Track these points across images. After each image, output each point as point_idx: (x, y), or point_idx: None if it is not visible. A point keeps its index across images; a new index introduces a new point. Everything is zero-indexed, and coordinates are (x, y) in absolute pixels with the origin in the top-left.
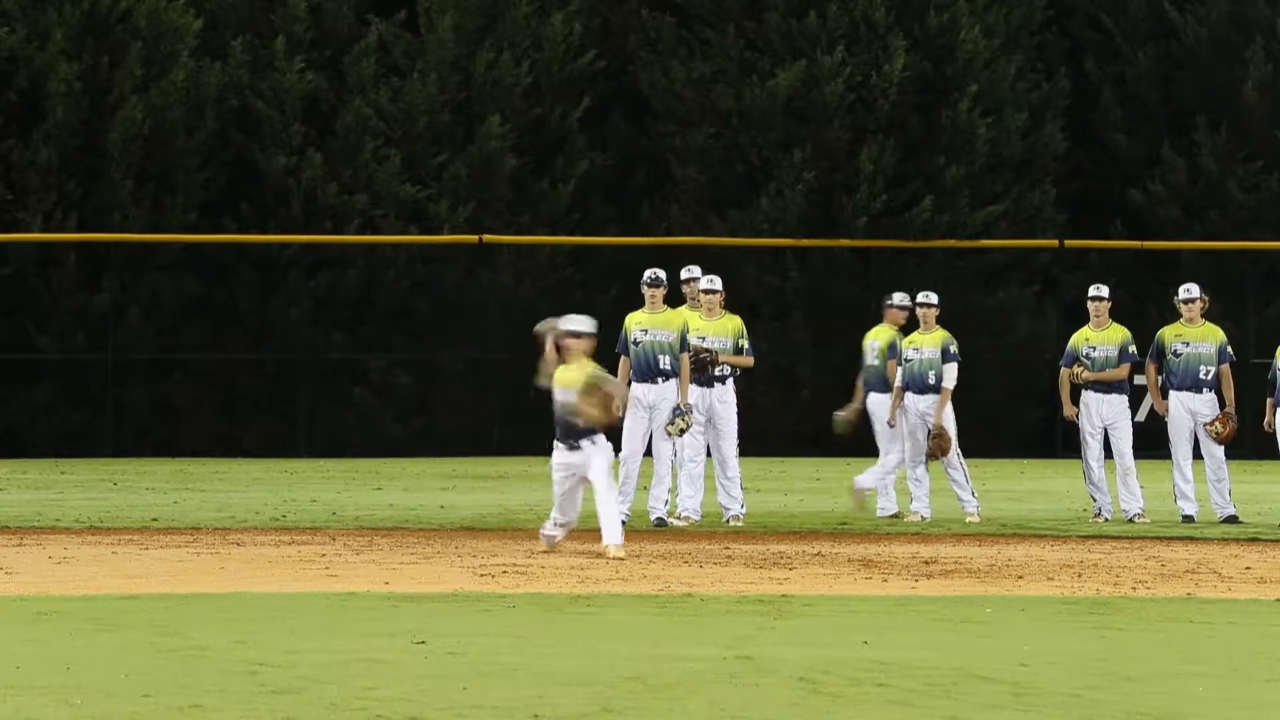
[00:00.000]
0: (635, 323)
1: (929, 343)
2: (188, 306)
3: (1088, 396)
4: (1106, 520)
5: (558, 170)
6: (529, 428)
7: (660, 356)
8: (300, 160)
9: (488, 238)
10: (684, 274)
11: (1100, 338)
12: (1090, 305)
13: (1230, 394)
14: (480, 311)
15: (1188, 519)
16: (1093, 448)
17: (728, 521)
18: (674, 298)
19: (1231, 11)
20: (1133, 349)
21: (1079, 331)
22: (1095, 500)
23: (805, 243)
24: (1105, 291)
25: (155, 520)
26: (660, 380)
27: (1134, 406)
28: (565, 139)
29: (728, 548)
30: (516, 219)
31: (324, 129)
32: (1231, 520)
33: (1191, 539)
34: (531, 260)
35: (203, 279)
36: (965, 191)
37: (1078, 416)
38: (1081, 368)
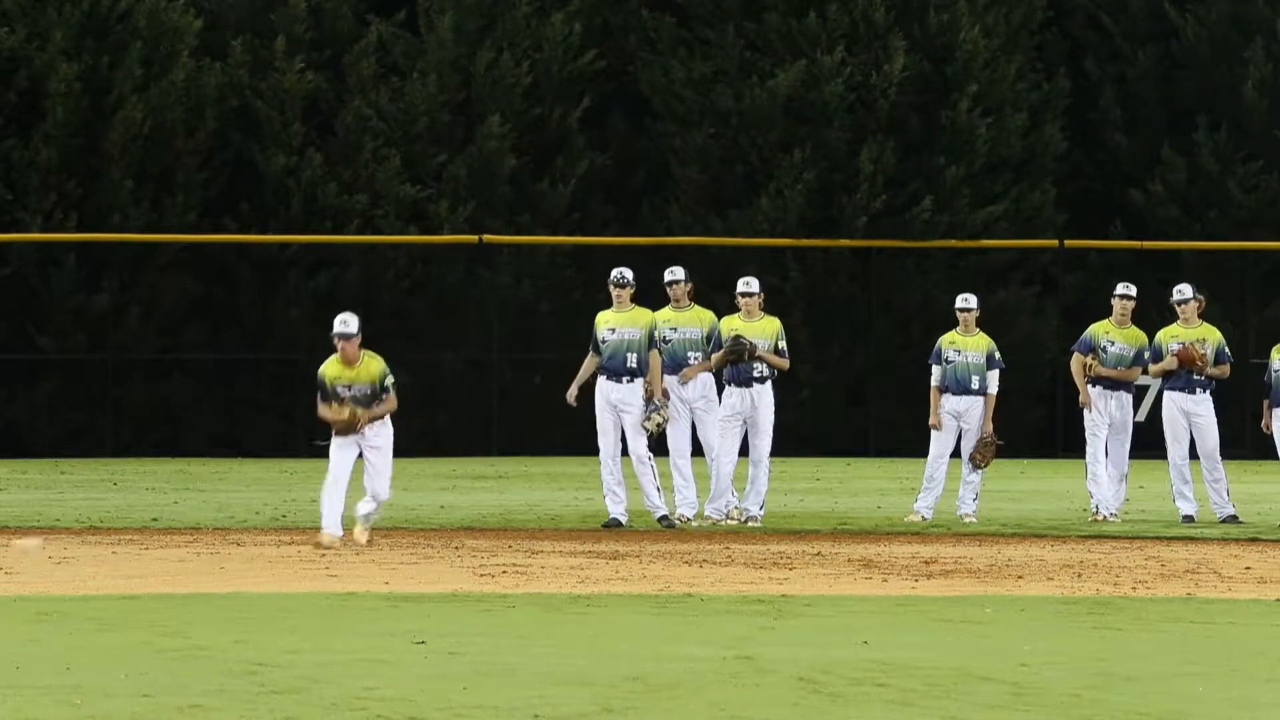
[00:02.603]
0: (603, 322)
1: (972, 346)
2: (188, 306)
3: (1096, 393)
4: (1106, 519)
5: (558, 170)
6: (529, 428)
7: (629, 355)
8: (300, 160)
9: (488, 238)
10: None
11: (1121, 336)
12: (1119, 302)
13: (1216, 375)
14: (480, 311)
15: (1188, 519)
16: (1098, 442)
17: (745, 522)
18: (660, 297)
19: (1231, 11)
20: (1147, 355)
21: (1100, 323)
22: (1093, 496)
23: (805, 243)
24: (1134, 291)
25: (155, 520)
26: (627, 380)
27: (1134, 407)
28: (565, 139)
29: (728, 548)
30: (516, 219)
31: (324, 129)
32: (1232, 520)
33: (1191, 539)
34: (531, 260)
35: (203, 279)
36: (965, 191)
37: (1090, 407)
38: (1095, 360)
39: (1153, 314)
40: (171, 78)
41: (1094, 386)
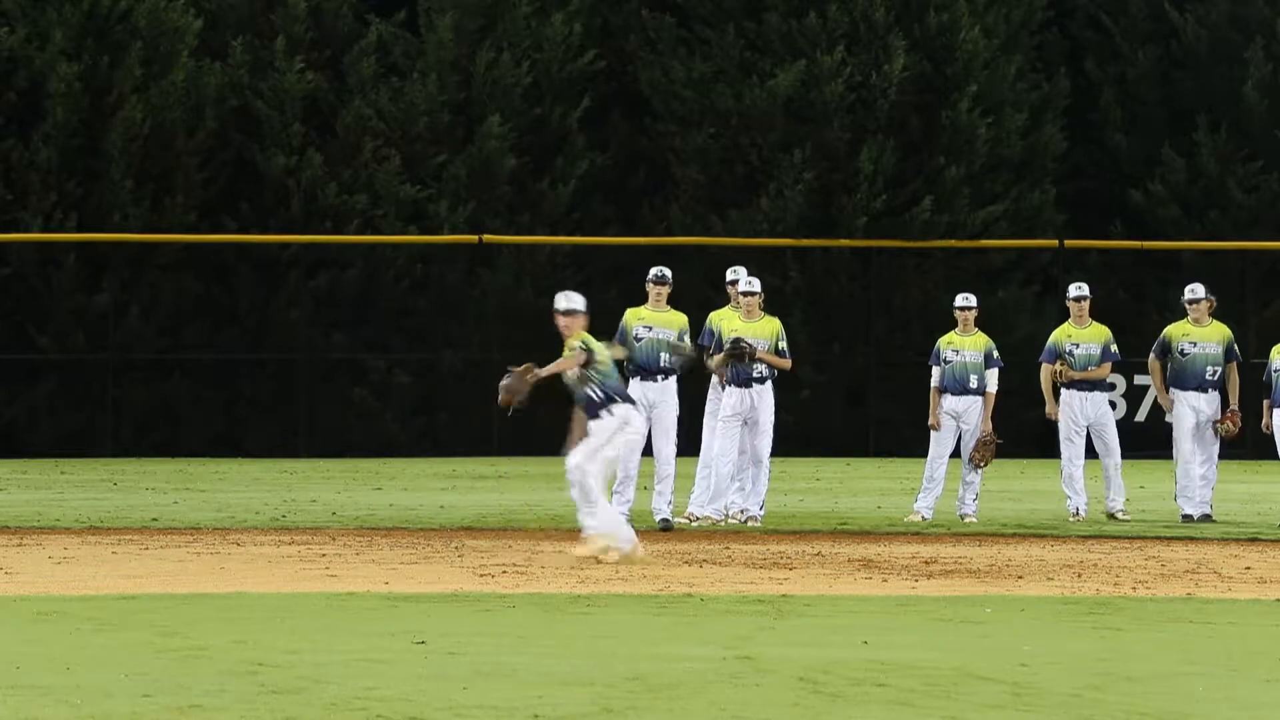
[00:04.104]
0: (638, 319)
1: (970, 345)
2: (188, 306)
3: (1070, 395)
4: (1118, 516)
5: (558, 170)
6: (529, 428)
7: (662, 355)
8: (300, 160)
9: (488, 238)
10: (729, 275)
11: (1083, 335)
12: (1073, 305)
13: (1235, 393)
14: (480, 311)
15: (1188, 519)
16: (1075, 446)
17: (745, 522)
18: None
19: (1231, 11)
20: (1114, 348)
21: (1060, 328)
22: (1070, 500)
23: (805, 243)
24: (1086, 290)
25: (155, 520)
26: (660, 379)
27: (1133, 406)
28: (565, 139)
29: (728, 548)
30: (516, 219)
31: (324, 129)
32: (1205, 519)
33: (1191, 539)
34: (531, 260)
35: (203, 279)
36: (965, 191)
37: (1058, 415)
38: (1064, 365)
39: (1153, 314)
40: (171, 78)
41: (1068, 390)
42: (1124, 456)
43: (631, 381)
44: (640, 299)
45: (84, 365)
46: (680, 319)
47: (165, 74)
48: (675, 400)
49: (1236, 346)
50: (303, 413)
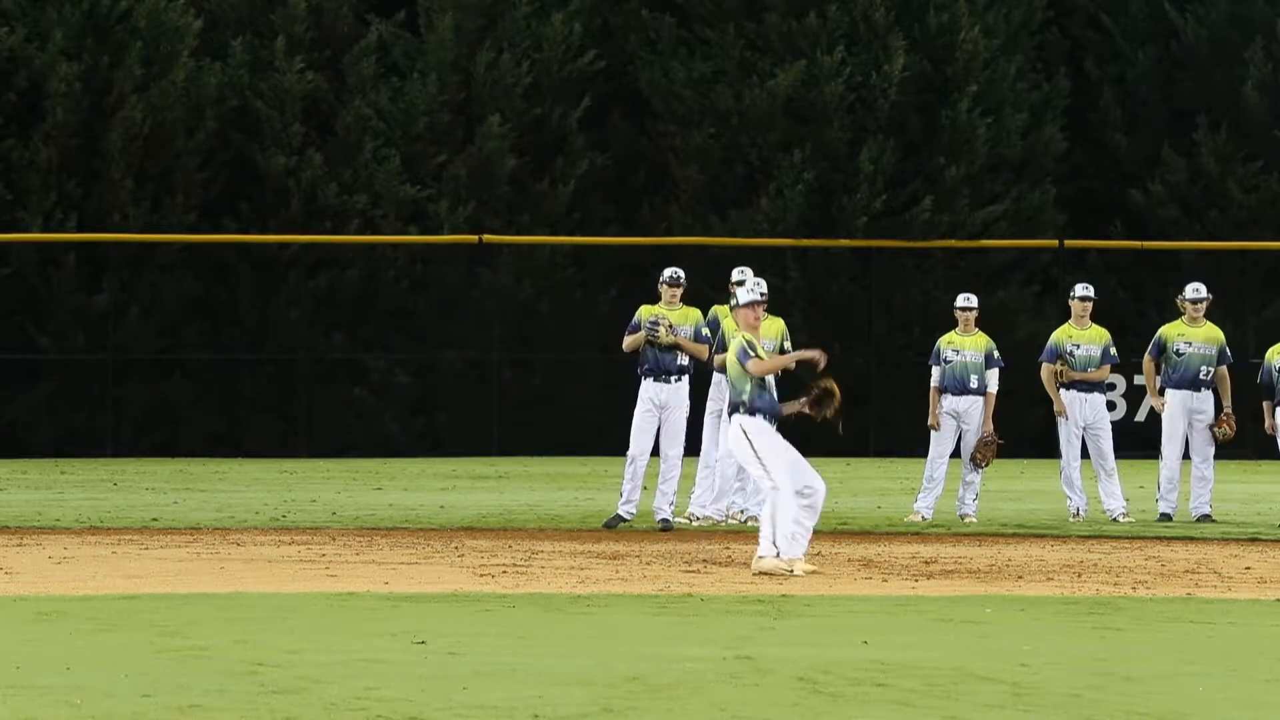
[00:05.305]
0: (652, 315)
1: (970, 345)
2: (188, 306)
3: (1069, 397)
4: (1119, 519)
5: (558, 170)
6: (529, 428)
7: (677, 354)
8: (300, 160)
9: (488, 238)
10: (736, 275)
11: (1084, 336)
12: (1078, 304)
13: (1228, 395)
14: (480, 311)
15: (1165, 517)
16: (1074, 447)
17: (745, 522)
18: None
19: (1231, 11)
20: (1113, 351)
21: (1061, 328)
22: (1070, 500)
23: (805, 243)
24: (1092, 291)
25: (155, 520)
26: (674, 380)
27: (1133, 406)
28: (565, 139)
29: (728, 548)
30: (516, 219)
31: (324, 129)
32: (1205, 520)
33: (1191, 539)
34: (531, 260)
35: (203, 279)
36: (965, 191)
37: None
38: (1064, 365)
39: (1153, 314)
40: (171, 78)
41: (1067, 391)
42: (1123, 457)
43: (644, 382)
44: (643, 298)
45: (84, 365)
46: (695, 314)
47: (165, 74)
48: (687, 402)
49: (1228, 350)
50: (302, 413)
